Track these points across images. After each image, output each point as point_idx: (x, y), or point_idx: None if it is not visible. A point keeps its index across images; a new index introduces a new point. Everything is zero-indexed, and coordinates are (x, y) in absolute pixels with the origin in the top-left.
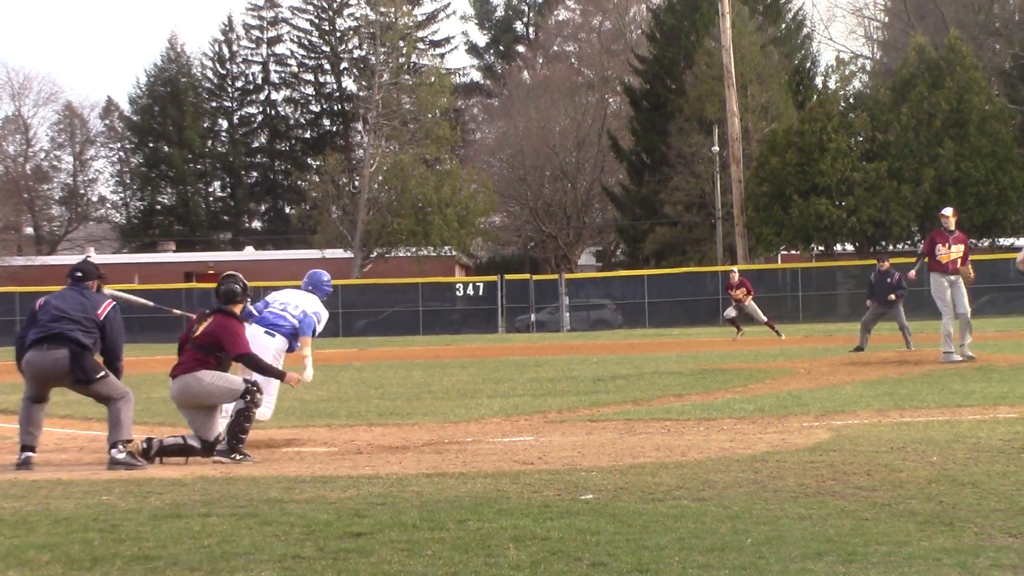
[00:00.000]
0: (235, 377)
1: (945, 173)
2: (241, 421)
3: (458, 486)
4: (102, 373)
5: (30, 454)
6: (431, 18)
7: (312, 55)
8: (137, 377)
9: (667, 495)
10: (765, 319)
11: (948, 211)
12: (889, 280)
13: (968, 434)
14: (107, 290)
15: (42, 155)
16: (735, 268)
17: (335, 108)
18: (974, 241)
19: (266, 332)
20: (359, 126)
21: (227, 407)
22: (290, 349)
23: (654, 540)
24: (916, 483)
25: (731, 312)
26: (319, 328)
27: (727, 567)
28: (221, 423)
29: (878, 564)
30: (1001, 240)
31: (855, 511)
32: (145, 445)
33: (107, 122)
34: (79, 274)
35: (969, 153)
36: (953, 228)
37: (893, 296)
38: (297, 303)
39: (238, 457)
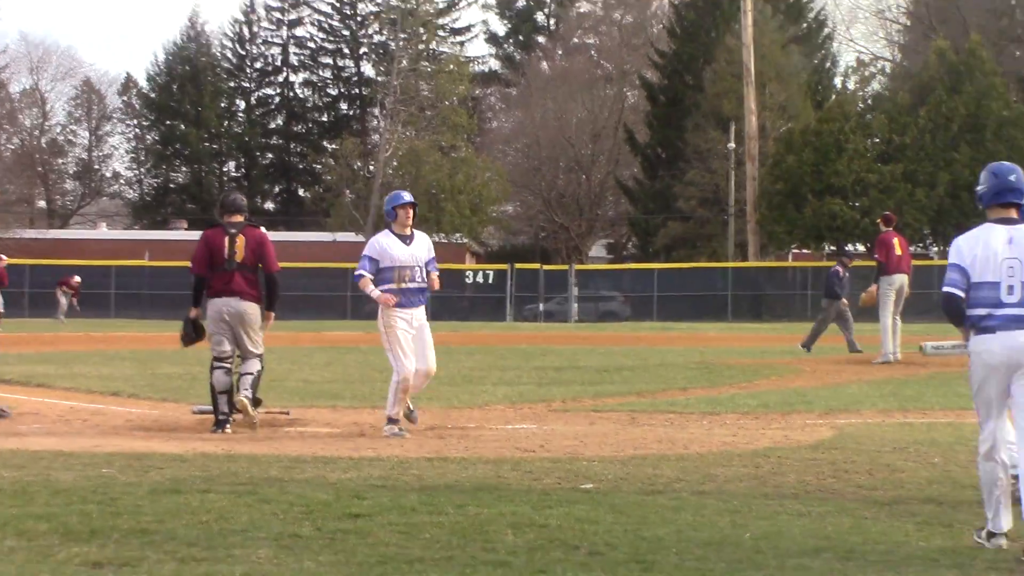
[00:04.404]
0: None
1: (960, 178)
2: (259, 380)
3: (459, 471)
4: None
5: None
6: (452, 6)
7: (332, 39)
8: (146, 352)
9: (667, 487)
10: None
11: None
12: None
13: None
14: None
15: (58, 129)
16: None
17: (353, 92)
18: None
19: None
20: (376, 111)
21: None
22: None
23: (652, 531)
24: (917, 484)
25: None
26: None
27: (724, 561)
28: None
29: (875, 563)
30: None
31: (855, 509)
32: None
33: (124, 99)
34: None
35: (985, 159)
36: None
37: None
38: None
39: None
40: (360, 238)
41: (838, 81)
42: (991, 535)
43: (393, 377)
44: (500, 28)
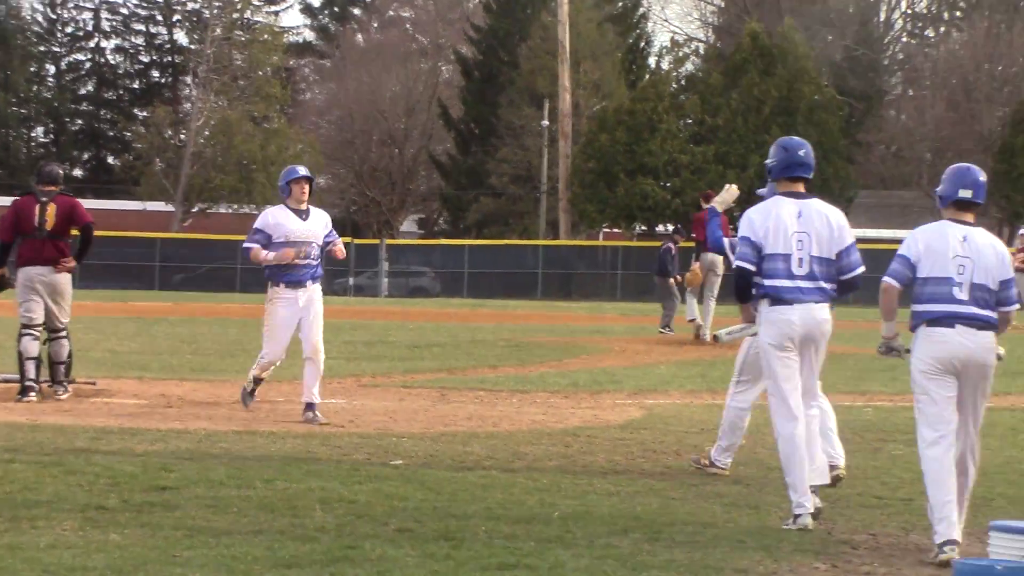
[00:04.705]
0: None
1: None
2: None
3: (267, 445)
4: None
5: None
6: None
7: (145, 5)
8: None
9: (477, 464)
10: None
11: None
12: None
13: None
14: None
15: None
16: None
17: (165, 60)
18: None
19: None
20: (188, 79)
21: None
22: None
23: (462, 508)
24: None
25: None
26: None
27: (533, 539)
28: None
29: (683, 543)
30: None
31: (663, 490)
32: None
33: None
34: None
35: None
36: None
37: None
38: None
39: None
40: (170, 207)
41: (652, 61)
42: (796, 516)
43: (261, 353)
44: None
